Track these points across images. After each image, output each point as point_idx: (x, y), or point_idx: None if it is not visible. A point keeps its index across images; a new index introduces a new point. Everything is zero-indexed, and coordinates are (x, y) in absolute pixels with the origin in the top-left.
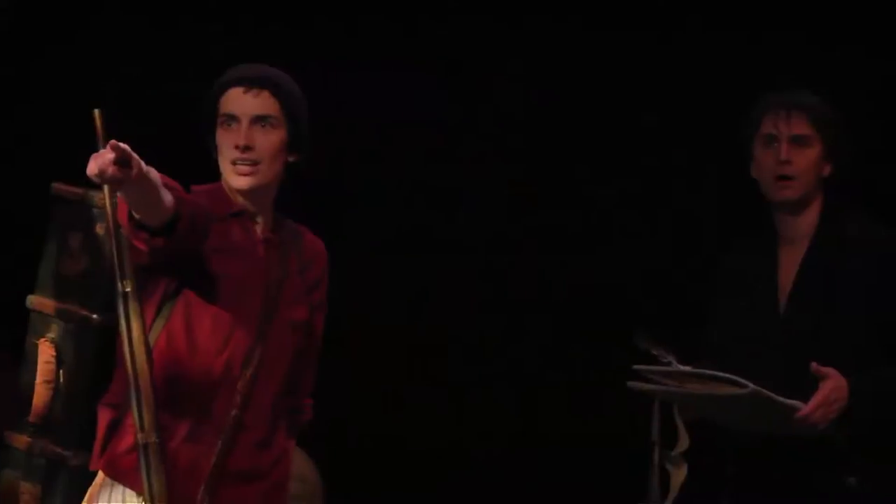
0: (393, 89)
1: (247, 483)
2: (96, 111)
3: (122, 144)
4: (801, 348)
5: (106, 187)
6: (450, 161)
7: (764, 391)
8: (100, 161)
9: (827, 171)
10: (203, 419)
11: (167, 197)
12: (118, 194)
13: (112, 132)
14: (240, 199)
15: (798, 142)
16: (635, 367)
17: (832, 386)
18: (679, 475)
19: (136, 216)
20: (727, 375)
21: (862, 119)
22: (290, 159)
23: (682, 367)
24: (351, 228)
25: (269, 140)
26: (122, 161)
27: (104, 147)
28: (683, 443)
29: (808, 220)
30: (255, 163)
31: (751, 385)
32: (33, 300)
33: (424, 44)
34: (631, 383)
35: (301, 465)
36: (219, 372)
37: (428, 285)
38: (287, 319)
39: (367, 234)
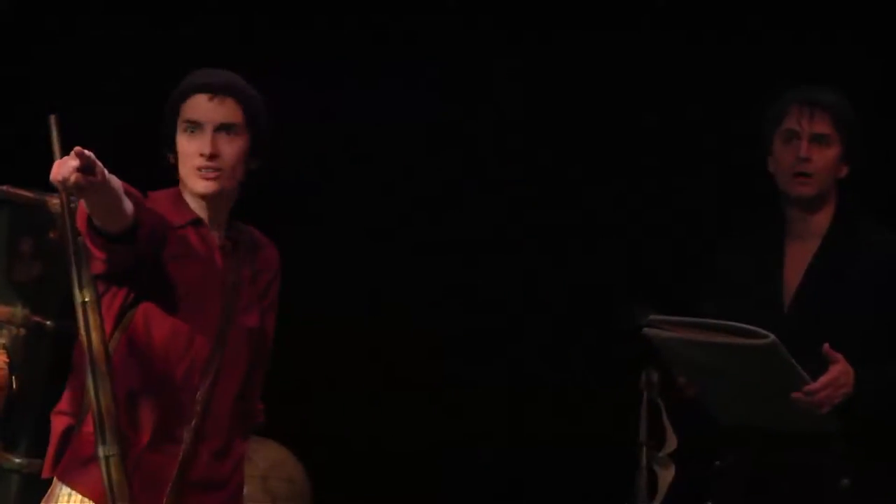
0: (393, 89)
1: (208, 492)
2: (52, 117)
3: (86, 151)
4: (805, 346)
5: (62, 195)
6: (449, 161)
7: (782, 346)
8: (63, 168)
9: (843, 172)
10: (164, 428)
11: (128, 204)
12: (80, 200)
13: (70, 139)
14: (196, 206)
15: (819, 140)
16: (652, 316)
17: (841, 370)
18: (667, 476)
19: (96, 222)
20: (746, 326)
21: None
22: (252, 166)
23: (698, 319)
24: (350, 228)
25: (233, 147)
26: (85, 168)
27: (60, 154)
28: (671, 444)
29: (821, 219)
30: (218, 169)
31: (771, 335)
32: None
33: (424, 43)
34: (646, 330)
35: (289, 466)
36: (179, 380)
37: (428, 285)
38: (243, 326)
39: (367, 234)
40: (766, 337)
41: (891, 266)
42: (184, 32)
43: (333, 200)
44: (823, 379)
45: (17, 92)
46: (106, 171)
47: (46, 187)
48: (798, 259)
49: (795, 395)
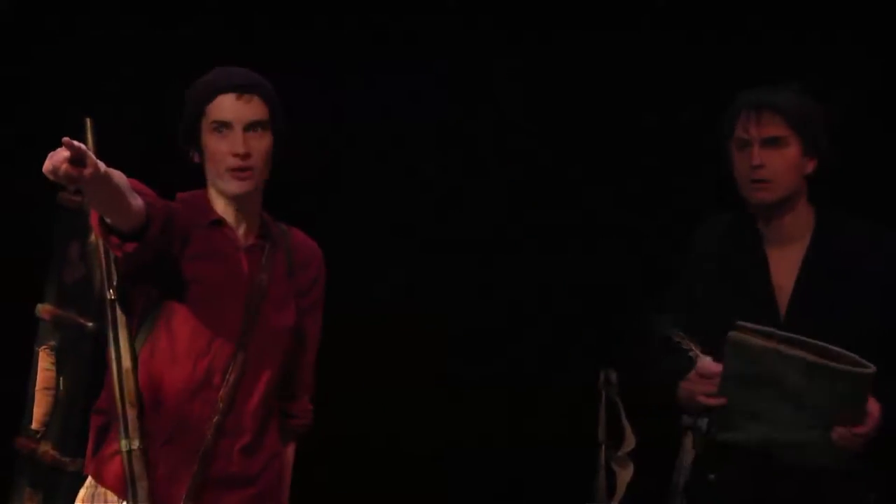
0: (392, 89)
1: (232, 489)
2: (88, 120)
3: (76, 143)
4: None
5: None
6: (450, 161)
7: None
8: (55, 158)
9: (810, 167)
10: (185, 425)
11: (136, 202)
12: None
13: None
14: (223, 206)
15: (772, 143)
16: (739, 322)
17: (876, 417)
18: (625, 475)
19: (107, 220)
20: (846, 353)
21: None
22: (275, 161)
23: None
24: (349, 228)
25: (262, 145)
26: (76, 160)
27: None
28: (630, 443)
29: (796, 220)
30: (251, 168)
31: (872, 366)
32: (40, 309)
33: (424, 43)
34: (732, 333)
35: None
36: (199, 378)
37: (428, 286)
38: (272, 324)
39: (366, 235)
40: (867, 367)
41: (888, 266)
42: (184, 32)
43: (333, 200)
44: (870, 423)
45: (18, 92)
46: (103, 165)
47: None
48: (785, 263)
49: (840, 430)
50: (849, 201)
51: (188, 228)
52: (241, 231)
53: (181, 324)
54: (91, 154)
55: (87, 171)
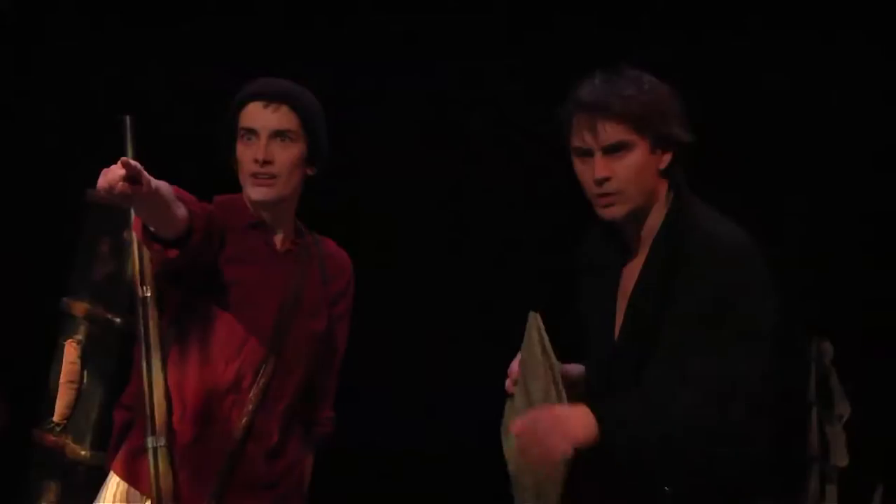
0: (392, 89)
1: (255, 491)
2: (127, 117)
3: (133, 162)
4: (626, 383)
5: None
6: (450, 161)
7: None
8: (110, 177)
9: (664, 162)
10: (212, 426)
11: (180, 211)
12: None
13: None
14: (259, 211)
15: (614, 151)
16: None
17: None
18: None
19: (151, 228)
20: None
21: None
22: (309, 172)
23: None
24: (348, 229)
25: (287, 154)
26: (132, 178)
27: (132, 153)
28: (842, 406)
29: (654, 222)
30: (273, 176)
31: None
32: (68, 303)
33: (425, 43)
34: (531, 314)
35: None
36: (230, 380)
37: (427, 286)
38: (304, 330)
39: (365, 234)
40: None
41: (715, 290)
42: (183, 33)
43: (332, 200)
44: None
45: (17, 92)
46: (153, 180)
47: (44, 185)
48: (628, 280)
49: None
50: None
51: (225, 231)
52: (277, 235)
53: (214, 325)
54: (143, 171)
55: (143, 190)
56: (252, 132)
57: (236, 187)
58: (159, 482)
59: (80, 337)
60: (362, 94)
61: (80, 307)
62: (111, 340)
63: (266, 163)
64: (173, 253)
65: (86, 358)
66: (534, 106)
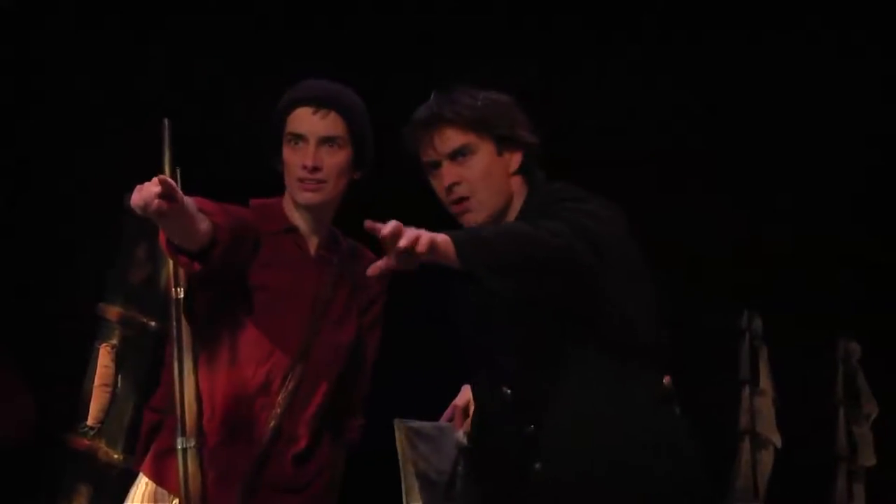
0: (392, 89)
1: (282, 494)
2: (165, 121)
3: (168, 180)
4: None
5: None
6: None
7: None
8: (145, 194)
9: (515, 163)
10: (241, 429)
11: (202, 225)
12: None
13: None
14: (297, 215)
15: (459, 155)
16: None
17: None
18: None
19: (175, 241)
20: None
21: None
22: (354, 176)
23: None
24: (348, 229)
25: (335, 160)
26: (167, 196)
27: (169, 159)
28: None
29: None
30: (321, 181)
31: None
32: (103, 308)
33: (425, 43)
34: None
35: None
36: (259, 383)
37: (427, 287)
38: (333, 336)
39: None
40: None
41: None
42: (184, 32)
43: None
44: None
45: (17, 92)
46: (183, 197)
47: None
48: None
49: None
50: None
51: (259, 235)
52: (312, 241)
53: (244, 328)
54: (177, 188)
55: (177, 206)
56: (300, 137)
57: (237, 186)
58: (188, 483)
59: (114, 341)
60: (361, 94)
61: (114, 312)
62: (146, 344)
63: (315, 169)
64: (198, 266)
65: (120, 362)
66: (534, 106)
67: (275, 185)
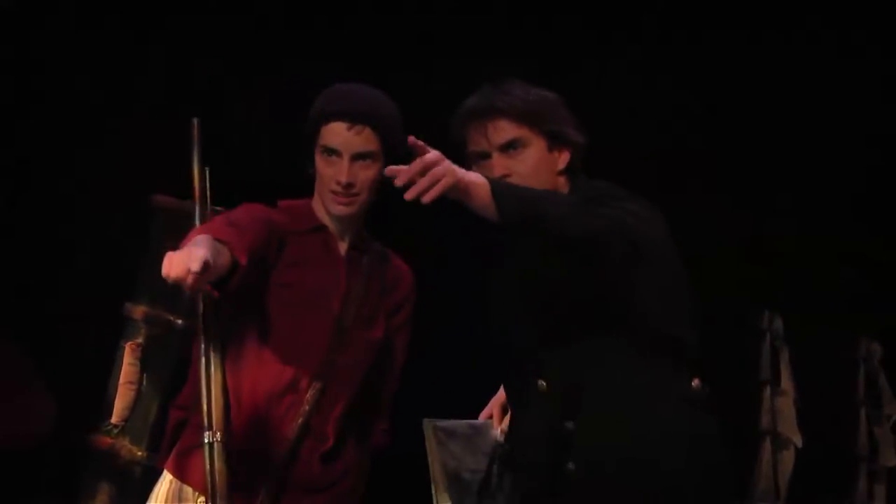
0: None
1: (308, 493)
2: (195, 121)
3: (207, 259)
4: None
5: (197, 184)
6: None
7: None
8: (180, 269)
9: (562, 162)
10: (268, 427)
11: (221, 260)
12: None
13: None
14: (328, 218)
15: (510, 148)
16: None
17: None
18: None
19: None
20: None
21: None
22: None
23: None
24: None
25: (368, 174)
26: (202, 271)
27: (199, 159)
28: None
29: None
30: (355, 194)
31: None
32: (128, 307)
33: (425, 43)
34: None
35: None
36: (287, 381)
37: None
38: (362, 336)
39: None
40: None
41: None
42: (184, 32)
43: None
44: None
45: (17, 92)
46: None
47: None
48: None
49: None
50: None
51: (286, 235)
52: (341, 242)
53: (273, 326)
54: (210, 259)
55: (209, 278)
56: (334, 152)
57: (237, 186)
58: (214, 478)
59: (139, 339)
60: None
61: (139, 310)
62: (171, 342)
63: (349, 185)
64: (217, 293)
65: (145, 360)
66: None
67: (275, 185)
